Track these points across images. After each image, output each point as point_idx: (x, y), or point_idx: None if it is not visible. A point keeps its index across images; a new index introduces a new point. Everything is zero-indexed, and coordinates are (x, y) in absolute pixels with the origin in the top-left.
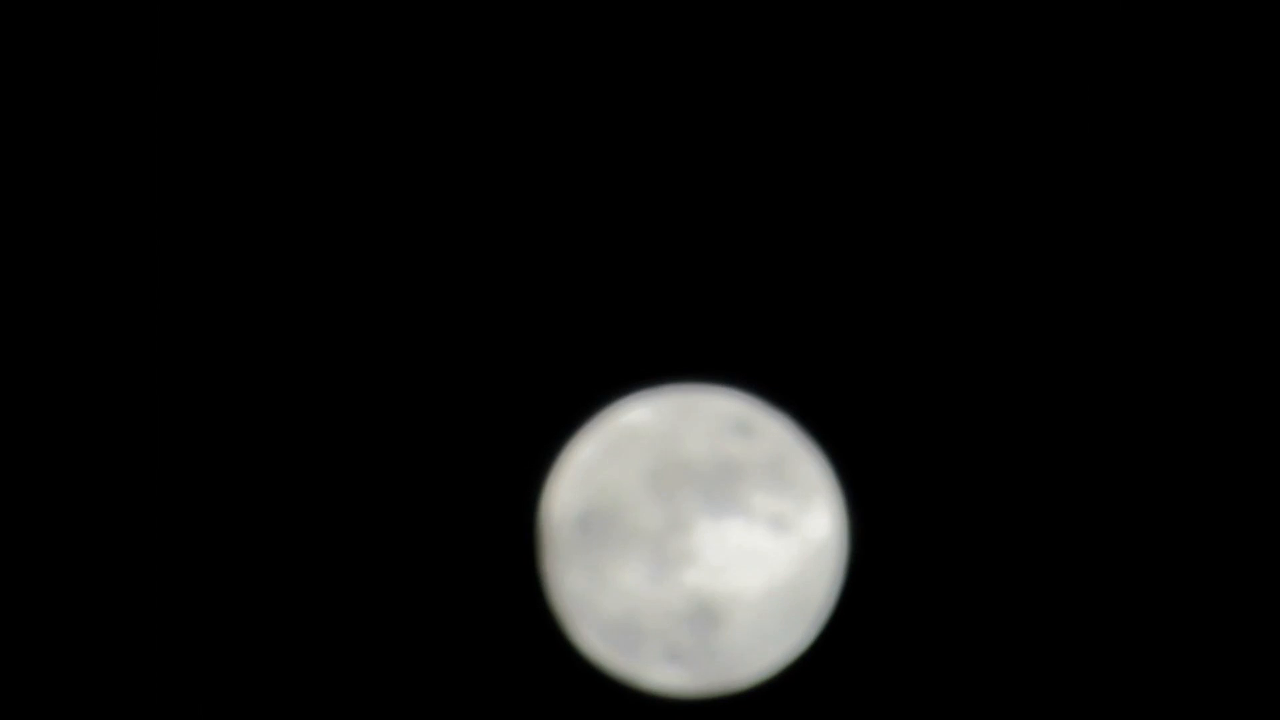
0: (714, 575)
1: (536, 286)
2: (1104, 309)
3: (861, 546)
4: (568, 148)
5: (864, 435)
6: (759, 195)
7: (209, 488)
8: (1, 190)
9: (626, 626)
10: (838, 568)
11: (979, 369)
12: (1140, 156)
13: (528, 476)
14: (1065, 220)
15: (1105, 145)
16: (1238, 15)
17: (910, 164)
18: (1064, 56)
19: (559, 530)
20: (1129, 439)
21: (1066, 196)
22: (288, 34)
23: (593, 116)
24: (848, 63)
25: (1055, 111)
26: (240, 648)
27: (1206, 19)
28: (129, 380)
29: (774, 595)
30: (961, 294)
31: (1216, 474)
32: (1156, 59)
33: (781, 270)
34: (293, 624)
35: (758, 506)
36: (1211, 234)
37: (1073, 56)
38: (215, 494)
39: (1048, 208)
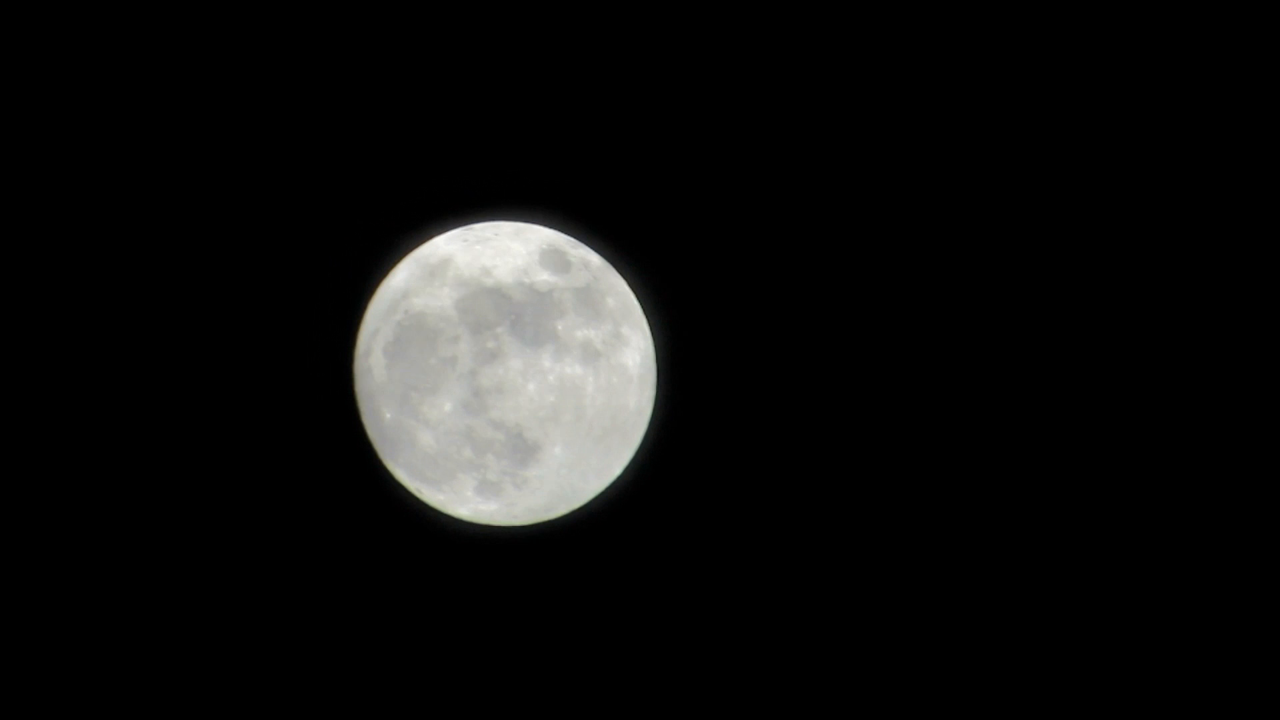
0: (524, 406)
1: (354, 118)
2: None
3: (675, 376)
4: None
5: (678, 265)
6: (570, 27)
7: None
8: None
9: (438, 459)
10: (651, 397)
11: (792, 196)
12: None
13: (339, 308)
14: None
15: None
16: (1237, 15)
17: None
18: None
19: (370, 363)
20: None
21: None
22: None
23: None
24: None
25: None
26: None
27: (1206, 19)
28: None
29: (586, 425)
30: (778, 122)
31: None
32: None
33: (594, 104)
34: (124, 466)
35: (569, 336)
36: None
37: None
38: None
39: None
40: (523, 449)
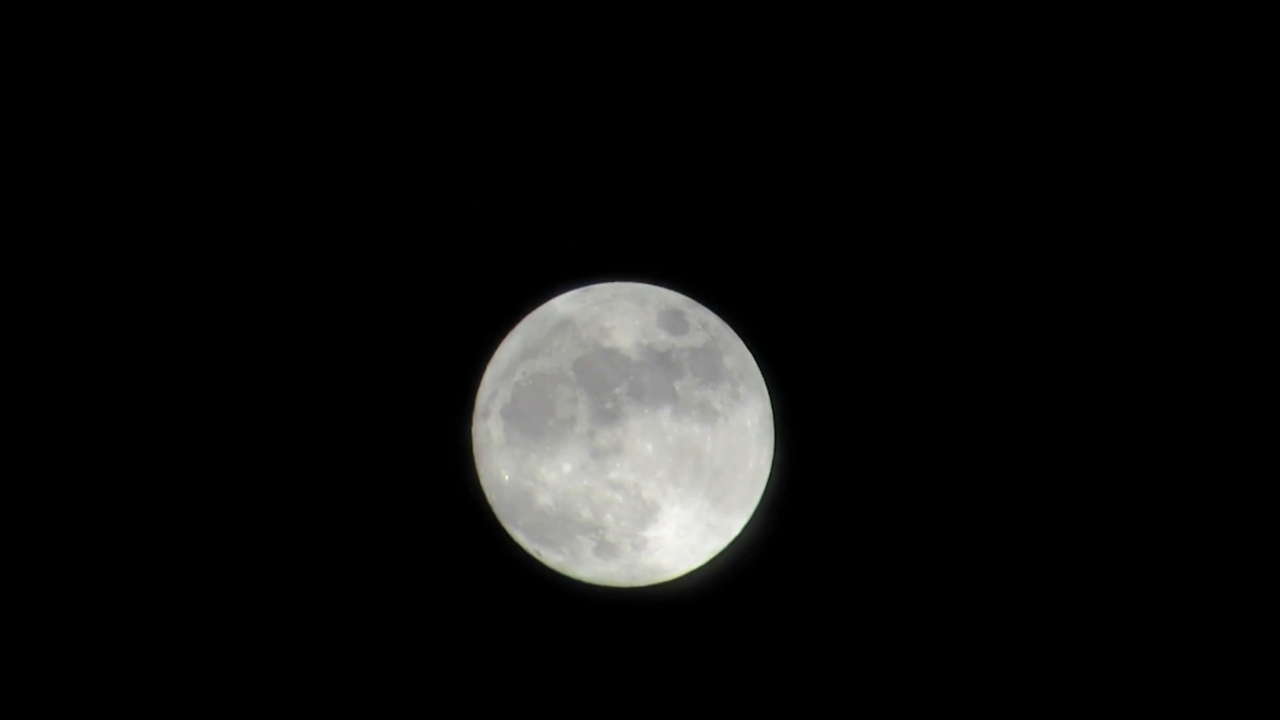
0: (643, 466)
1: (471, 181)
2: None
3: (793, 435)
4: (499, 59)
5: (794, 326)
6: (690, 97)
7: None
8: None
9: (556, 520)
10: (769, 456)
11: (902, 259)
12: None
13: (457, 370)
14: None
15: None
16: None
17: (821, 69)
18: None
19: (488, 425)
20: (1046, 318)
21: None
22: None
23: (527, 35)
24: None
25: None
26: (188, 550)
27: (1206, 19)
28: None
29: (705, 485)
30: (887, 187)
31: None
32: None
33: (710, 167)
34: (234, 532)
35: (688, 396)
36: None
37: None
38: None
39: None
40: (641, 509)
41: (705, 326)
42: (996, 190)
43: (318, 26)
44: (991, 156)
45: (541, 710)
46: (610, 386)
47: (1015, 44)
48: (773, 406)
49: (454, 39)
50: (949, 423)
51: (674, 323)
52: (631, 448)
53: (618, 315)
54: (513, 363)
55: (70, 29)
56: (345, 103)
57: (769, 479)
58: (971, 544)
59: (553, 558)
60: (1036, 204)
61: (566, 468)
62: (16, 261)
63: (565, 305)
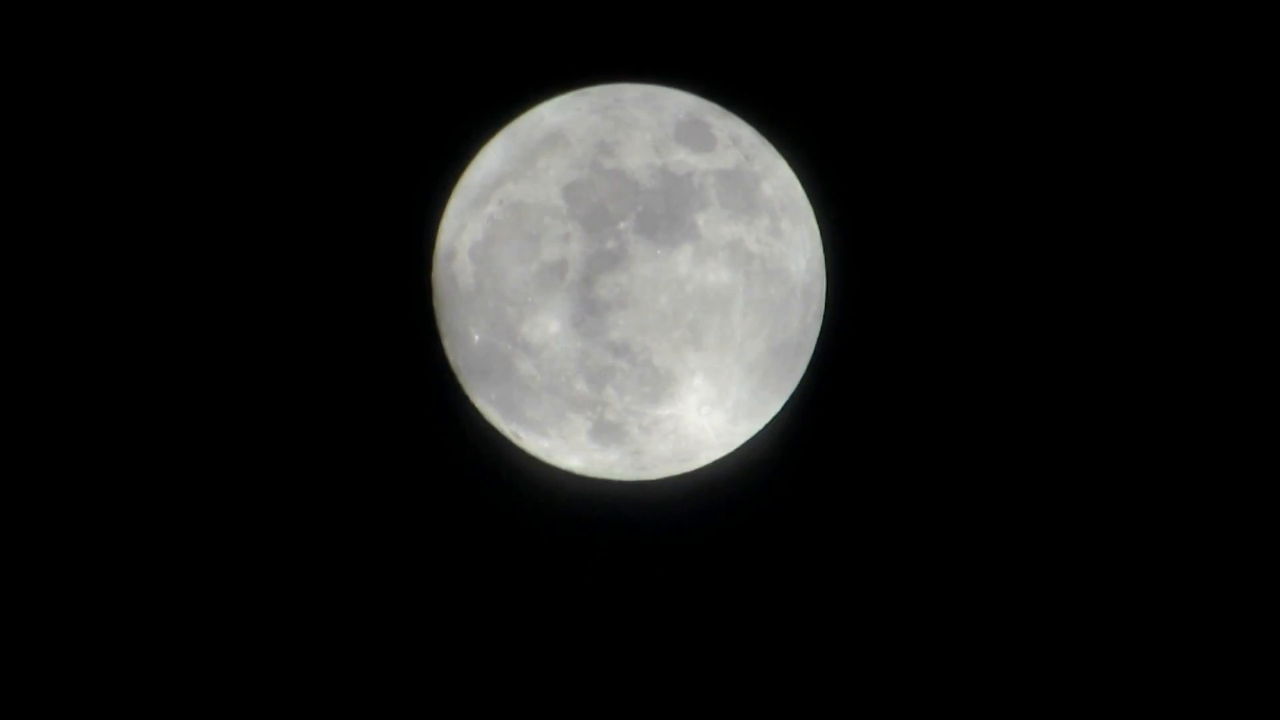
0: (654, 324)
1: None
2: None
3: (850, 285)
4: None
5: (857, 139)
6: None
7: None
8: None
9: (542, 394)
10: (819, 313)
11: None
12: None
13: (415, 199)
14: None
15: None
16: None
17: None
18: None
19: (454, 269)
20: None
21: None
22: None
23: None
24: None
25: None
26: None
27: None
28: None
29: (735, 350)
30: None
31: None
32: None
33: None
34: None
35: (713, 233)
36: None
37: None
38: None
39: None
40: (653, 381)
41: (738, 142)
42: None
43: None
44: None
45: (518, 634)
46: (613, 220)
47: None
48: (824, 247)
49: None
50: (1040, 293)
51: (697, 137)
52: (640, 300)
53: (623, 126)
54: (485, 189)
55: (55, 25)
56: None
57: (818, 342)
58: (1049, 431)
59: (535, 442)
60: None
61: (554, 326)
62: (14, 262)
63: (554, 113)
